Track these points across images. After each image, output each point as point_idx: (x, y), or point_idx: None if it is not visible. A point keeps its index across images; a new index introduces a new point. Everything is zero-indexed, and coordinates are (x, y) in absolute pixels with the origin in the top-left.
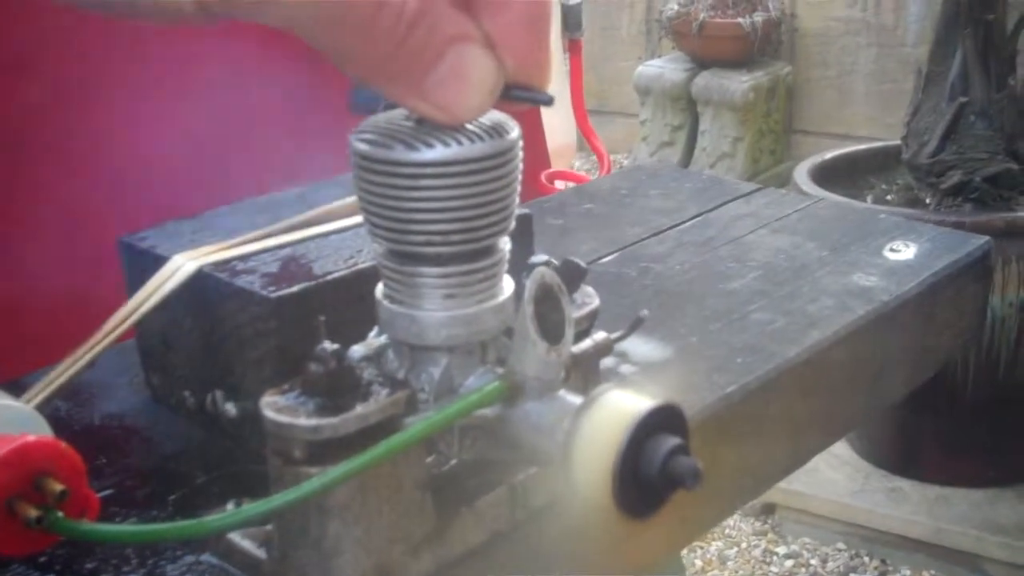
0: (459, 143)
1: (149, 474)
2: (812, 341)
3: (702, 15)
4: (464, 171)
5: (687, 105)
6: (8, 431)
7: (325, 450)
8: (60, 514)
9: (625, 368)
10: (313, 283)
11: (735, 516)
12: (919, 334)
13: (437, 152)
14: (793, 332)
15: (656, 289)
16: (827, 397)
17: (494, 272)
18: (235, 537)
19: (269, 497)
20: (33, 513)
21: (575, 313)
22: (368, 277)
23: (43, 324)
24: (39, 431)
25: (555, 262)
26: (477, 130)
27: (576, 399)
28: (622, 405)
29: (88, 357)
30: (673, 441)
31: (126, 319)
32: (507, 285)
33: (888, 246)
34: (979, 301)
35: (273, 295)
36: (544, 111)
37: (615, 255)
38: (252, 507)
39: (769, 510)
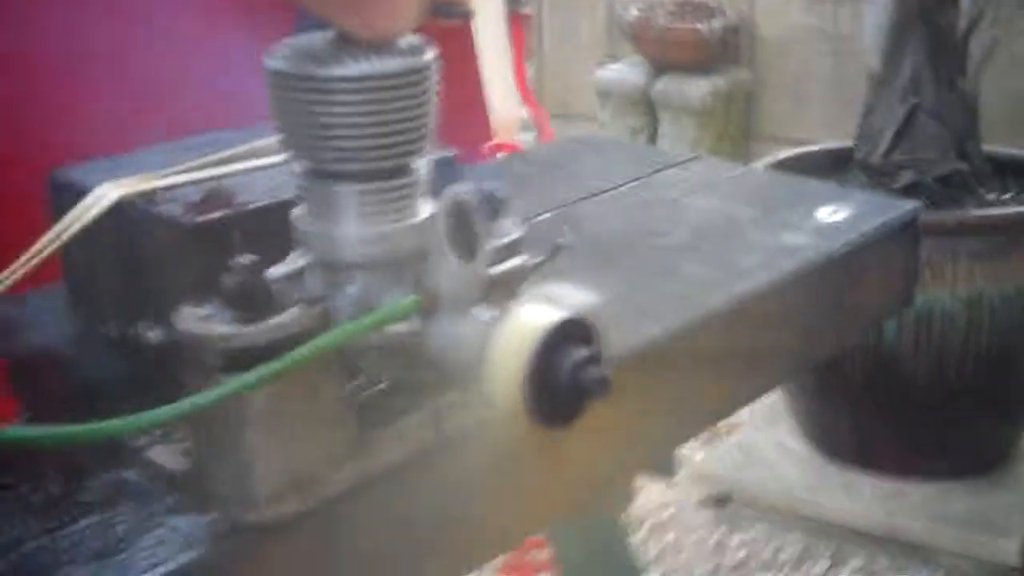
0: (371, 60)
1: (73, 402)
2: (740, 292)
3: (661, 20)
4: (377, 87)
5: (647, 109)
6: None
7: (240, 360)
8: None
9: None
10: (233, 211)
11: (690, 506)
12: (847, 293)
13: (351, 67)
14: (722, 283)
15: (590, 244)
16: (757, 348)
17: (409, 192)
18: (154, 452)
19: (181, 401)
20: None
21: (495, 241)
22: (289, 208)
23: None
24: None
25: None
26: (392, 48)
27: (489, 314)
28: (533, 317)
29: (9, 281)
30: (582, 352)
31: (48, 246)
32: (425, 207)
33: (819, 209)
34: (908, 264)
35: (191, 222)
36: (489, 86)
37: (549, 214)
38: (165, 410)
39: (724, 501)
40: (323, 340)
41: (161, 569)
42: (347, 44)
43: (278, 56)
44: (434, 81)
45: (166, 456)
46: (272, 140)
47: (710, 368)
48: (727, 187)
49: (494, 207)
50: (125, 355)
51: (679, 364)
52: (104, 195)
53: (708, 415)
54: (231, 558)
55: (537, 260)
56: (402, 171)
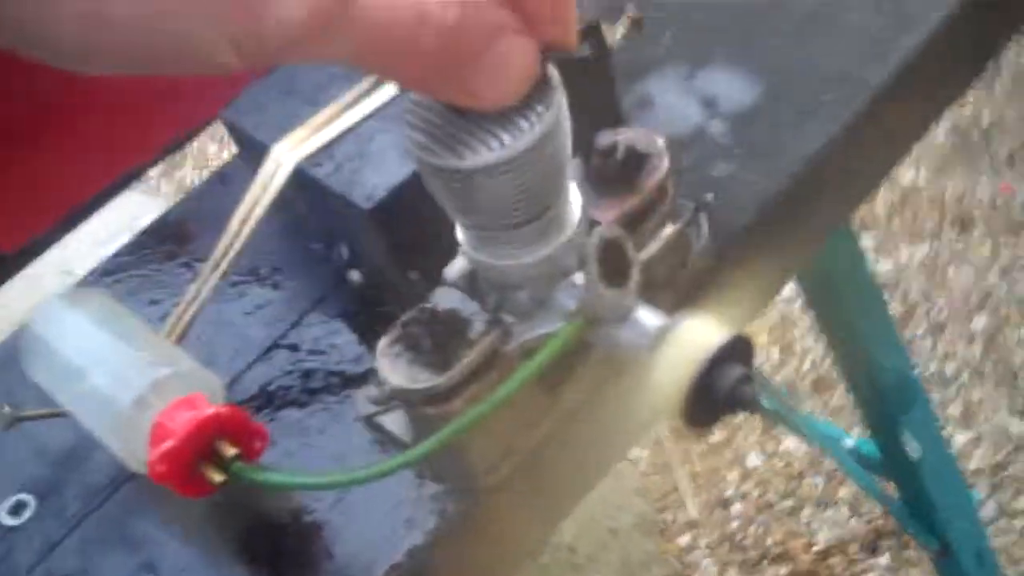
0: (501, 140)
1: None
2: (912, 46)
3: None
4: (514, 165)
5: None
6: (185, 389)
7: (442, 396)
8: (239, 464)
9: (714, 126)
10: (398, 182)
11: None
12: None
13: (481, 157)
14: (889, 41)
15: None
16: (925, 89)
17: (563, 216)
18: (386, 420)
19: (410, 450)
20: (219, 478)
21: (648, 181)
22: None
23: None
24: (212, 388)
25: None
26: (521, 109)
27: (653, 321)
28: (702, 333)
29: (222, 268)
30: (741, 371)
31: (244, 223)
32: (575, 209)
33: None
34: None
35: (368, 207)
36: None
37: None
38: (404, 456)
39: None
40: (522, 375)
41: (418, 531)
42: (467, 120)
43: (411, 140)
44: (567, 122)
45: (397, 426)
46: None
47: (877, 136)
48: None
49: (639, 162)
50: (330, 272)
51: (848, 148)
52: (282, 161)
53: (873, 179)
54: (464, 517)
55: (680, 226)
56: (554, 205)
